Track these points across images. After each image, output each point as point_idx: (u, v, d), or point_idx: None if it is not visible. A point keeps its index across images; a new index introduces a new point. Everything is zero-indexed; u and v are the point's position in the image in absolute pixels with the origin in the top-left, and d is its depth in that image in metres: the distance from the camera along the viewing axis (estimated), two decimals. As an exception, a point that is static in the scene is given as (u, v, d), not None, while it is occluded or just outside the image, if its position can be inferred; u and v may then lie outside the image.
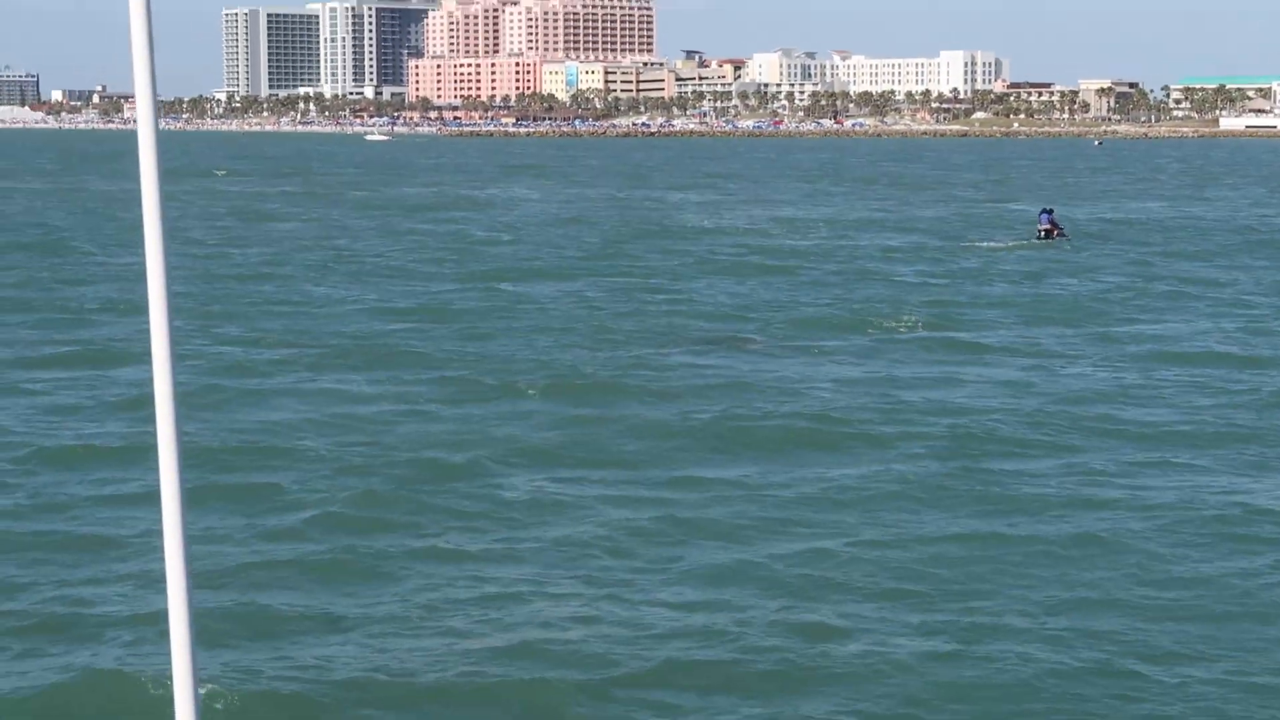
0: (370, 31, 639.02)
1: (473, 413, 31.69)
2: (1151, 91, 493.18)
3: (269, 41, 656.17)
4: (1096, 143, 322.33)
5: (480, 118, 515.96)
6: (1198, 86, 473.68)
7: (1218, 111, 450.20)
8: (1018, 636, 18.35)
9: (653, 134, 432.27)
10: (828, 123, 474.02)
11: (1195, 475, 26.69)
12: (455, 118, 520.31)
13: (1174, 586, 20.40)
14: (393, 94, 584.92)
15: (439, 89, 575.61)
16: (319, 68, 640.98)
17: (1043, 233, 76.95)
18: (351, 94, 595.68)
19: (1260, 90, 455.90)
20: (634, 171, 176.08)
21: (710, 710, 16.31)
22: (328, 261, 64.52)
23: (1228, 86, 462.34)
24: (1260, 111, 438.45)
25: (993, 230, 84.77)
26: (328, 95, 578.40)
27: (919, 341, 42.23)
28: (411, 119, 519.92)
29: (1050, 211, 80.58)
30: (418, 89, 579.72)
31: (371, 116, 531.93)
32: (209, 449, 27.57)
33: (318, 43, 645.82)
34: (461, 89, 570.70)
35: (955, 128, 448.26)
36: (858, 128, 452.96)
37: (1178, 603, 19.70)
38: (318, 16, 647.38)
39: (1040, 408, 32.38)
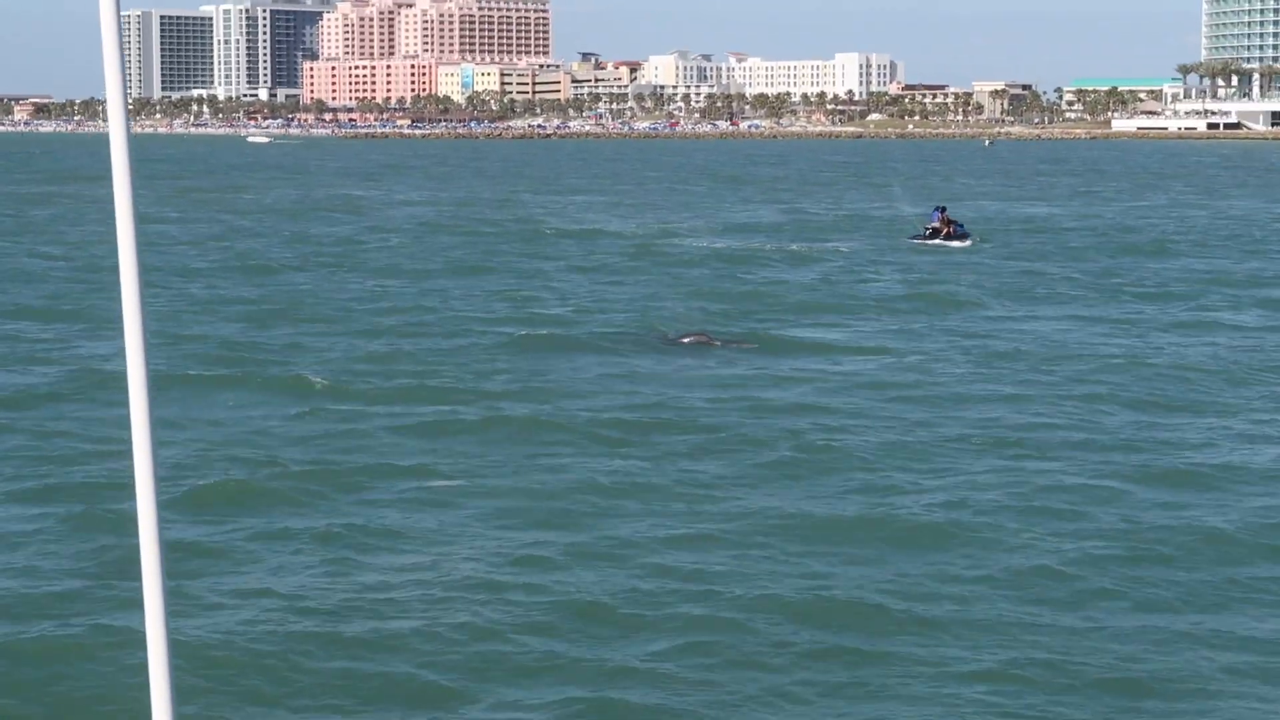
0: (265, 33, 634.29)
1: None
2: (1045, 93, 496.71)
3: (162, 43, 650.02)
4: (987, 143, 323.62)
5: (375, 119, 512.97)
6: (1090, 89, 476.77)
7: (1110, 113, 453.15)
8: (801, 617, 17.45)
9: (549, 136, 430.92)
10: (724, 124, 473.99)
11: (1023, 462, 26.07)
12: (350, 119, 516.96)
13: (999, 564, 19.71)
14: (287, 96, 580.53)
15: (334, 91, 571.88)
16: (213, 70, 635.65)
17: (929, 230, 75.94)
18: (246, 96, 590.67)
19: (1151, 92, 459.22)
20: (523, 173, 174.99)
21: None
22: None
23: (1120, 89, 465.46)
24: (1151, 113, 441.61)
25: (876, 230, 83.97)
26: (221, 97, 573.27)
27: (777, 341, 41.47)
28: (306, 121, 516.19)
29: (943, 209, 79.18)
30: (313, 91, 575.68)
31: (266, 119, 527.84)
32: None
33: (212, 45, 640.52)
34: (357, 91, 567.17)
35: (850, 129, 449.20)
36: (753, 129, 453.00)
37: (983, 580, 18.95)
38: (211, 18, 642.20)
39: (888, 403, 31.91)
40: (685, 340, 40.52)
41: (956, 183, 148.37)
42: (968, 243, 73.69)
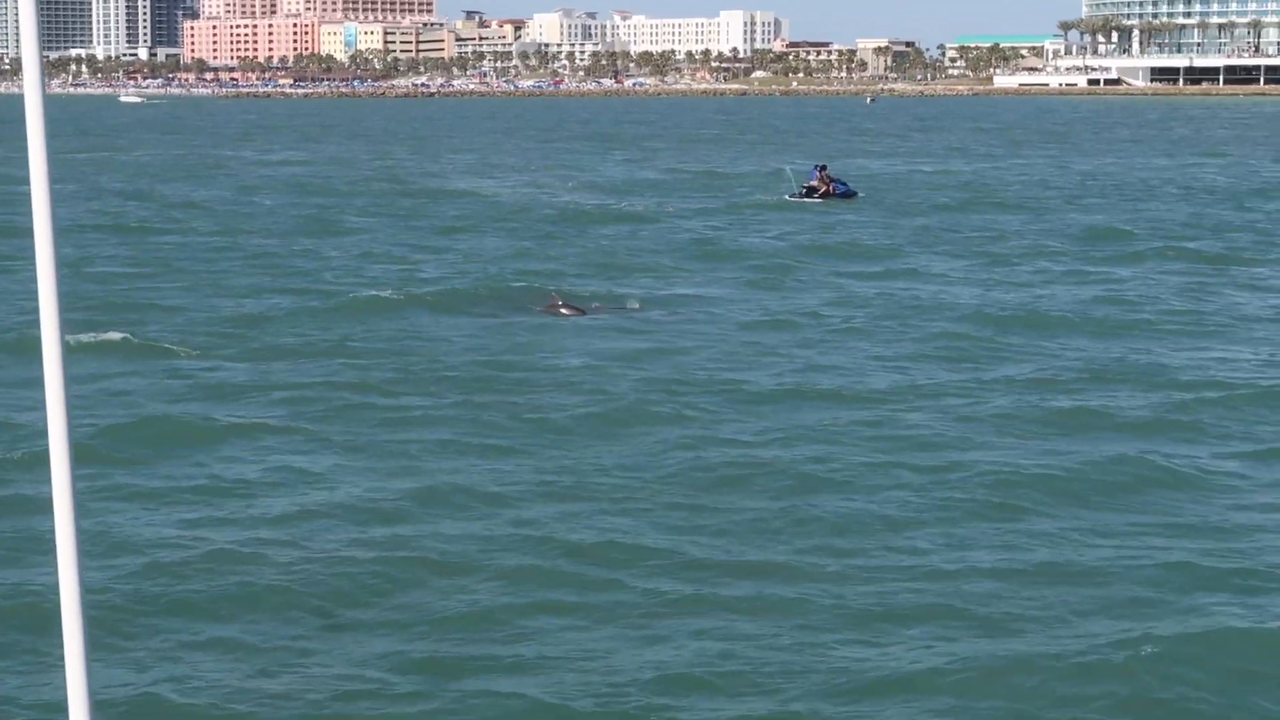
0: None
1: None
2: (928, 50, 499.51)
3: (39, 1, 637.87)
4: (869, 100, 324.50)
5: (258, 79, 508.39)
6: (972, 45, 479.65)
7: (992, 70, 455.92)
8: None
9: (432, 94, 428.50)
10: (608, 82, 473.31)
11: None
12: (232, 79, 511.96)
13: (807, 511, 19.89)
14: (168, 55, 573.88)
15: (215, 50, 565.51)
16: (91, 29, 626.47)
17: (805, 190, 75.13)
18: (125, 56, 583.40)
19: (1033, 49, 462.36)
20: (402, 133, 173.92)
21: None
22: None
23: (1001, 45, 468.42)
24: (1033, 70, 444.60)
25: (755, 187, 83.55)
26: (100, 57, 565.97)
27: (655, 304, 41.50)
28: (187, 80, 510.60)
29: (822, 167, 78.25)
30: (193, 50, 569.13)
31: (146, 78, 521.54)
32: None
33: (90, 3, 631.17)
34: (238, 50, 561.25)
35: (735, 86, 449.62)
36: (638, 87, 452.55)
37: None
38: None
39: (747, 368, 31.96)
40: (559, 303, 40.40)
41: (838, 140, 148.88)
42: (853, 200, 73.48)
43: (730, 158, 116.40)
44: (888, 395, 29.11)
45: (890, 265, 50.24)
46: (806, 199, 73.86)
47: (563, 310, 39.27)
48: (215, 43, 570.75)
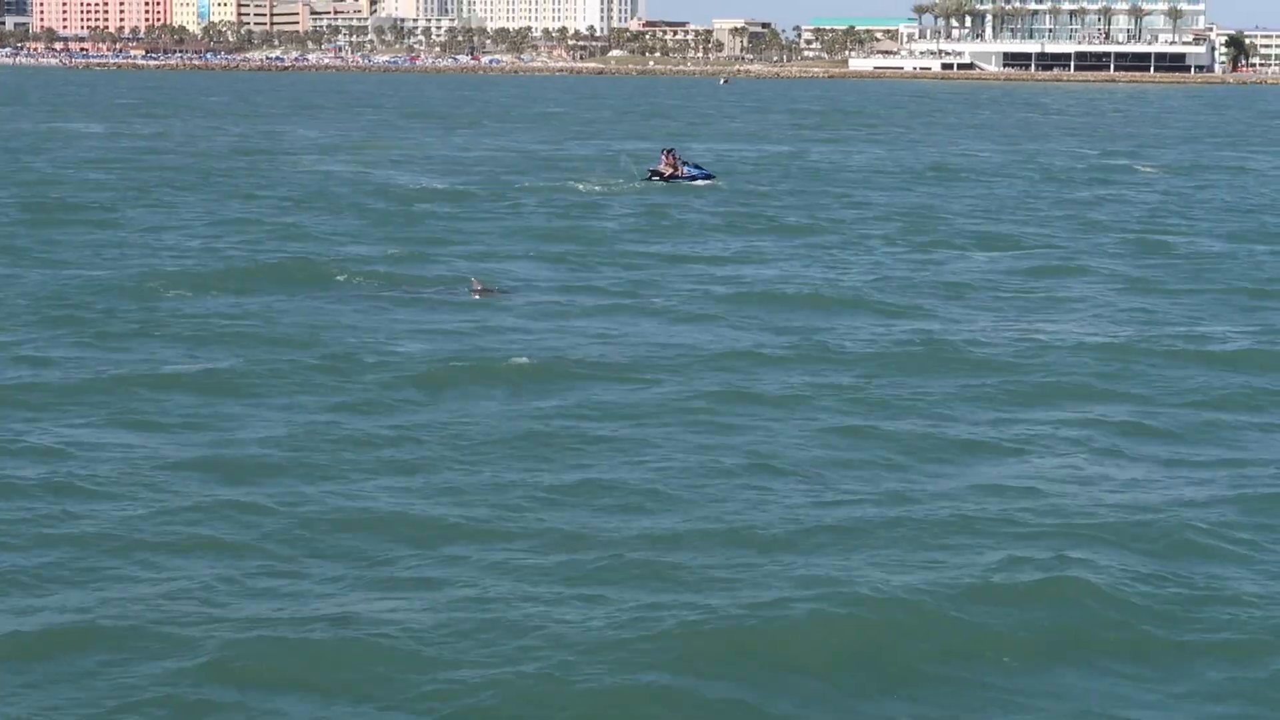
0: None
1: None
2: (784, 31, 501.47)
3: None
4: (722, 81, 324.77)
5: (109, 49, 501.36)
6: (828, 28, 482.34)
7: (847, 52, 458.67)
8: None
9: (286, 68, 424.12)
10: (465, 59, 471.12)
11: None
12: (83, 49, 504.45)
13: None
14: (17, 24, 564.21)
15: (65, 19, 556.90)
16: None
17: (651, 174, 73.65)
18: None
19: (887, 32, 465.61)
20: (239, 108, 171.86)
21: None
22: None
23: (856, 28, 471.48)
24: (888, 53, 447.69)
25: (602, 171, 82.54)
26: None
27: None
28: (36, 50, 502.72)
29: (669, 151, 77.10)
30: (43, 19, 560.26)
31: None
32: None
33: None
34: (89, 20, 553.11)
35: (592, 65, 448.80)
36: (494, 64, 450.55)
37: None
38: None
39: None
40: (403, 287, 39.68)
41: (684, 122, 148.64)
42: (708, 183, 72.44)
43: (574, 138, 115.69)
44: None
45: (747, 243, 50.38)
46: (652, 181, 72.87)
47: (411, 290, 39.04)
48: (65, 12, 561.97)
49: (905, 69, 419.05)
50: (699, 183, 72.68)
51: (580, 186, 72.18)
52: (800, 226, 57.67)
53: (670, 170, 73.40)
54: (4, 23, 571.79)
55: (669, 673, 15.91)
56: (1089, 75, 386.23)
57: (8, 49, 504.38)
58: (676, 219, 58.72)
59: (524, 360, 30.00)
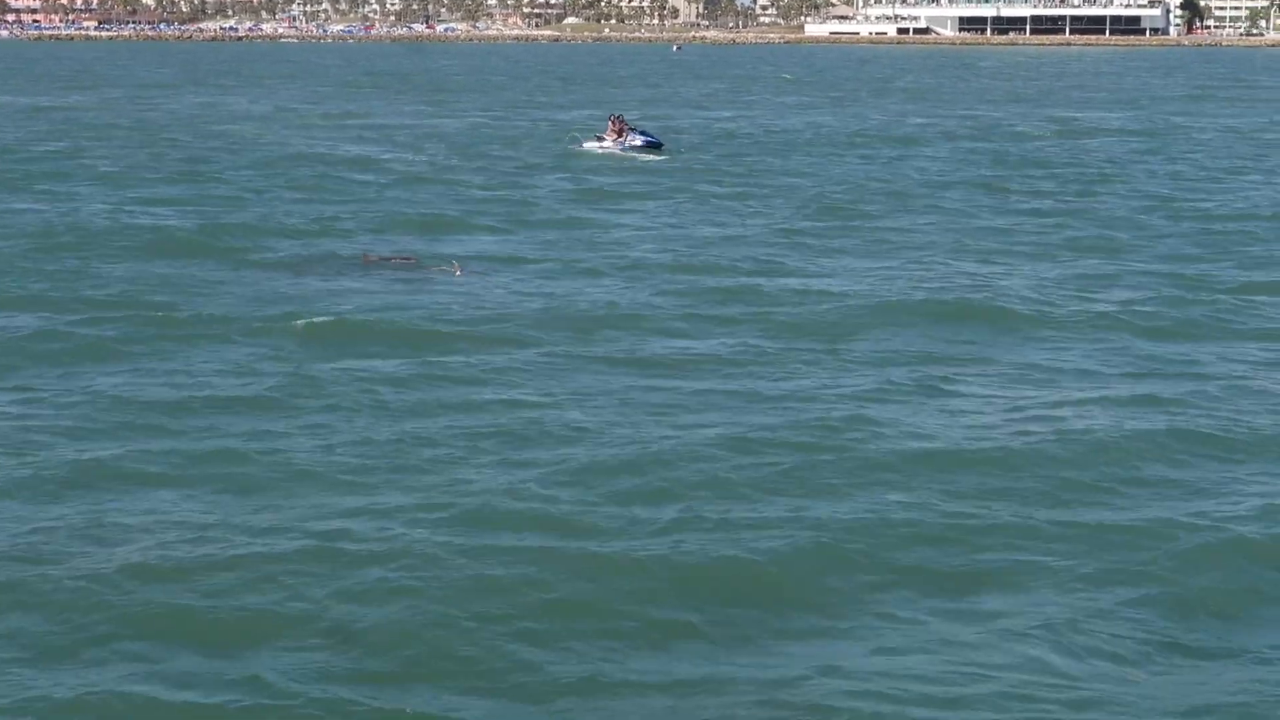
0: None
1: None
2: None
3: None
4: (675, 49, 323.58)
5: (60, 20, 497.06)
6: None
7: (803, 17, 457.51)
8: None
9: (240, 39, 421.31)
10: (420, 27, 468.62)
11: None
12: (35, 21, 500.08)
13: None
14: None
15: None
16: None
17: (597, 138, 74.00)
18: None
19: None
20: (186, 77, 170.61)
21: None
22: None
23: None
24: (844, 18, 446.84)
25: (542, 140, 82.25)
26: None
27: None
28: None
29: (618, 118, 77.03)
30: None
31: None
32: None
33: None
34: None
35: (548, 33, 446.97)
36: (449, 33, 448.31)
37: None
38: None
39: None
40: (386, 258, 39.26)
41: (632, 91, 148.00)
42: (660, 155, 71.69)
43: (521, 107, 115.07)
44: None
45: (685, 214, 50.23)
46: (599, 146, 73.01)
47: (400, 261, 38.57)
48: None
49: (861, 34, 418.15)
50: (658, 155, 72.12)
51: (527, 158, 71.79)
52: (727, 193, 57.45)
53: (615, 136, 73.32)
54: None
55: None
56: (1044, 39, 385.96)
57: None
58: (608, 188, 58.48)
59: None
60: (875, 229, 47.00)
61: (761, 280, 37.41)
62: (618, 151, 72.07)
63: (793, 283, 36.83)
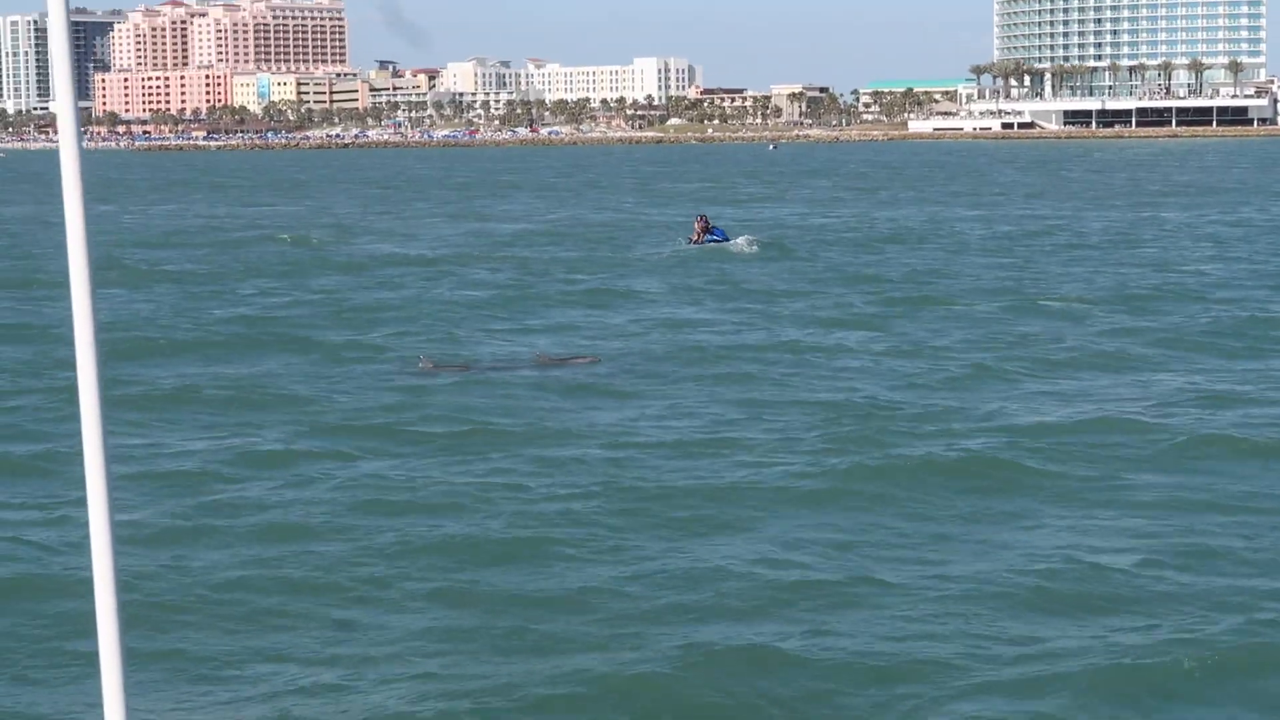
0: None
1: None
2: (841, 95, 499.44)
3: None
4: (771, 148, 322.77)
5: (171, 131, 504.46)
6: (886, 90, 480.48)
7: (906, 114, 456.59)
8: None
9: (346, 145, 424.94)
10: (524, 131, 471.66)
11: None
12: (145, 132, 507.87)
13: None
14: (80, 108, 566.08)
15: (127, 103, 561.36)
16: (2, 83, 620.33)
17: (689, 240, 74.79)
18: (36, 109, 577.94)
19: (946, 93, 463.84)
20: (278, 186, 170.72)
21: None
22: None
23: (915, 90, 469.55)
24: (947, 114, 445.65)
25: (641, 237, 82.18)
26: (11, 111, 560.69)
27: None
28: (99, 133, 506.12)
29: (703, 216, 78.18)
30: (105, 103, 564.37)
31: (57, 133, 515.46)
32: None
33: (0, 57, 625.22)
34: (151, 102, 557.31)
35: (650, 134, 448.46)
36: (554, 136, 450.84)
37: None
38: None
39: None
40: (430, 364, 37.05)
41: (720, 187, 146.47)
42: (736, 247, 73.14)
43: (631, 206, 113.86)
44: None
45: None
46: (690, 245, 74.14)
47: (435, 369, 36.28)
48: (127, 95, 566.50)
49: (965, 129, 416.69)
50: (719, 243, 73.64)
51: (630, 257, 71.78)
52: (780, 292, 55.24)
53: (699, 235, 74.35)
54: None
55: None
56: (1151, 130, 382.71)
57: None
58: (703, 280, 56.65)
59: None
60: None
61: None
62: (701, 245, 73.63)
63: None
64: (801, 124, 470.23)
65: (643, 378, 35.71)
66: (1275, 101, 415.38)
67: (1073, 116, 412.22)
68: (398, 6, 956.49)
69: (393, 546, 21.46)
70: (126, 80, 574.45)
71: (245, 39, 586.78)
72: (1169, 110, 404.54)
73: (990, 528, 22.49)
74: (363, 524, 22.69)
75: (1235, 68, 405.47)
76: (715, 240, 74.80)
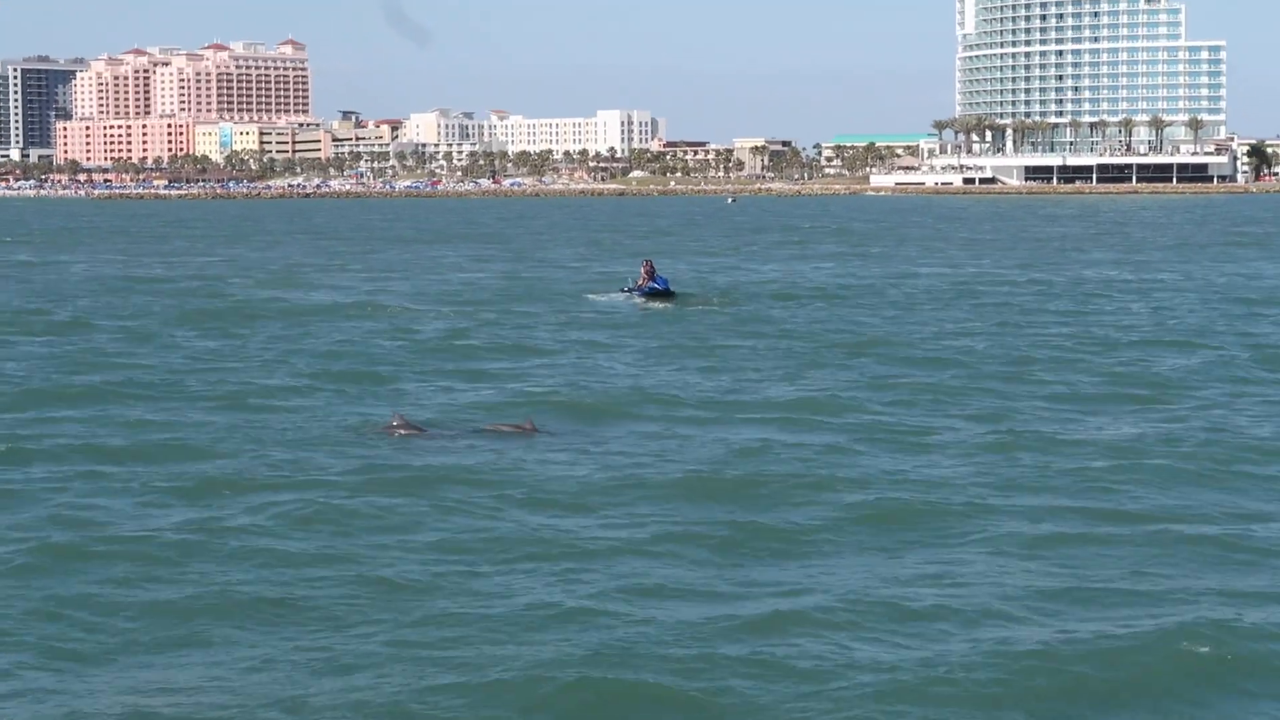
0: (15, 93, 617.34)
1: None
2: (804, 149, 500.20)
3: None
4: (730, 201, 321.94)
5: (132, 180, 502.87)
6: (848, 145, 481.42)
7: (869, 168, 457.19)
8: None
9: (308, 195, 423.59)
10: (486, 182, 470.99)
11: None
12: (106, 180, 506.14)
13: None
14: (40, 156, 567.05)
15: (89, 151, 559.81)
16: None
17: (632, 287, 74.82)
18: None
19: (908, 148, 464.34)
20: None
21: None
22: None
23: (877, 144, 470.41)
24: (909, 169, 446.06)
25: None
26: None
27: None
28: (59, 181, 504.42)
29: (649, 261, 77.77)
30: (66, 151, 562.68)
31: (18, 179, 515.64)
32: None
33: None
34: (112, 151, 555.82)
35: (613, 186, 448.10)
36: (516, 187, 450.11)
37: None
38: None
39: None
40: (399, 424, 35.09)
41: (662, 241, 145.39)
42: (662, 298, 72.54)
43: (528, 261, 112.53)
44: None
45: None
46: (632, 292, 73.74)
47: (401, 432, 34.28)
48: (89, 143, 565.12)
49: (927, 184, 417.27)
50: (653, 300, 72.54)
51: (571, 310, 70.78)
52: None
53: (644, 279, 73.95)
54: (29, 155, 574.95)
55: None
56: (1111, 187, 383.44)
57: (32, 180, 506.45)
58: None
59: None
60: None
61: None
62: (640, 296, 73.12)
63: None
64: (764, 177, 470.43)
65: (571, 436, 34.56)
66: (1235, 159, 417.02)
67: (1034, 172, 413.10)
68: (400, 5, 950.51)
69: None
70: (88, 129, 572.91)
71: (208, 88, 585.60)
72: (1129, 167, 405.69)
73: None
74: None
75: (1196, 125, 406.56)
76: (656, 289, 73.87)
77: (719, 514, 26.64)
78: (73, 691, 18.21)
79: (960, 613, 20.58)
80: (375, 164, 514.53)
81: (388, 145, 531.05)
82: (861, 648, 19.20)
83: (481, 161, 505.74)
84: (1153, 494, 28.18)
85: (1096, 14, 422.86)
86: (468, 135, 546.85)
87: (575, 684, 17.88)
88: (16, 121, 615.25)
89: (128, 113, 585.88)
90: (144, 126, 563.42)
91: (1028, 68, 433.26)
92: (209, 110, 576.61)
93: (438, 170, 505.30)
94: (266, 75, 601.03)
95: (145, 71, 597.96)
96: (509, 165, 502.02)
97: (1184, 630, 19.63)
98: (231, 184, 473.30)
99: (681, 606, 21.10)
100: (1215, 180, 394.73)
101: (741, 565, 23.41)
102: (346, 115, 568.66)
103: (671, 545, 24.56)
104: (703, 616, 20.54)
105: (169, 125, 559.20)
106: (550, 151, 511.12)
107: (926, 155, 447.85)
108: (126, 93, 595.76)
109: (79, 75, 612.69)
